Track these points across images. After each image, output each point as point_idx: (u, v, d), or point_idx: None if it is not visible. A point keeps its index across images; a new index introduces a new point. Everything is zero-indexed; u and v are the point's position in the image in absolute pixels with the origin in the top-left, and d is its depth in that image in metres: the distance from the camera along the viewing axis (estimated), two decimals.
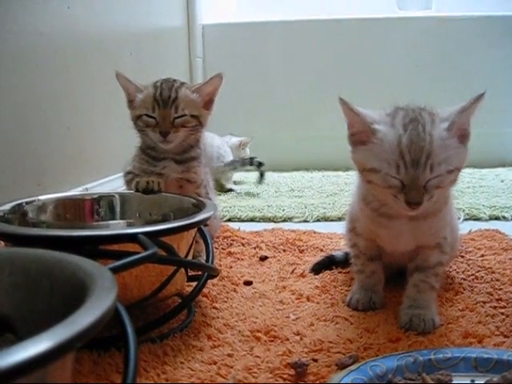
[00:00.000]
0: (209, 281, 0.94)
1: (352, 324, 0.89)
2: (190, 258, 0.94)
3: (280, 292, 1.04)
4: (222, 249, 1.33)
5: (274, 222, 1.72)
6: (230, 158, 2.30)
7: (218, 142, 2.29)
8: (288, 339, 0.83)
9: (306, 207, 1.85)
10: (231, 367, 0.74)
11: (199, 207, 0.97)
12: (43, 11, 1.53)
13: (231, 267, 1.19)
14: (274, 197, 2.12)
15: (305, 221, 1.72)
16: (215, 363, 0.75)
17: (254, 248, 1.34)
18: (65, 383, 0.43)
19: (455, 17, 2.87)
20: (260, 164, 2.19)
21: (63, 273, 0.52)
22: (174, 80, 1.24)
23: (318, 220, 1.73)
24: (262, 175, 2.18)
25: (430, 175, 0.79)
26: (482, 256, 1.22)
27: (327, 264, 1.17)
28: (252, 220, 1.73)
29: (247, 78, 2.93)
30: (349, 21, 2.95)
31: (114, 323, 0.48)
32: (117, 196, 1.12)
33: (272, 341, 0.82)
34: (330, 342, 0.81)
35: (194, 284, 0.91)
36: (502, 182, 2.34)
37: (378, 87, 2.71)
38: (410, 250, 0.93)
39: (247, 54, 2.97)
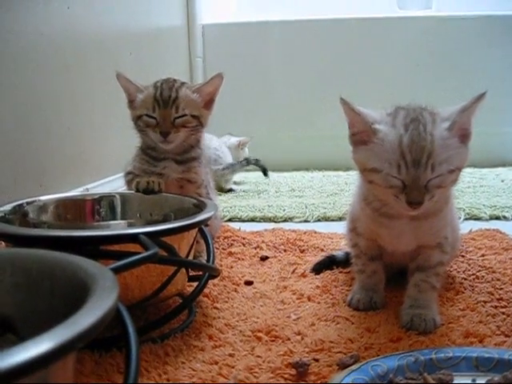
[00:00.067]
0: (210, 281, 0.94)
1: (353, 324, 0.89)
2: (190, 258, 0.94)
3: (281, 292, 1.04)
4: (223, 249, 1.33)
5: (275, 221, 1.71)
6: (228, 158, 2.30)
7: (215, 144, 2.28)
8: (289, 339, 0.83)
9: (306, 207, 1.85)
10: (232, 367, 0.74)
11: (200, 207, 0.97)
12: (44, 11, 1.53)
13: (232, 267, 1.19)
14: (274, 197, 2.12)
15: (305, 221, 1.72)
16: (216, 363, 0.75)
17: (255, 248, 1.34)
18: None
19: (455, 16, 2.87)
20: (257, 161, 2.24)
21: (64, 273, 0.52)
22: (175, 80, 1.24)
23: (319, 220, 1.73)
24: (264, 169, 2.24)
25: (431, 175, 0.79)
26: (483, 256, 1.22)
27: (328, 264, 1.17)
28: (252, 220, 1.73)
29: (247, 77, 2.93)
30: (349, 20, 2.95)
31: (115, 323, 0.48)
32: (117, 196, 1.12)
33: (273, 341, 0.82)
34: (331, 342, 0.81)
35: (195, 284, 0.91)
36: (503, 181, 2.34)
37: (378, 87, 2.72)
38: (411, 250, 0.93)
39: (247, 53, 2.97)
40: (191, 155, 1.25)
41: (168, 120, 1.18)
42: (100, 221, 1.09)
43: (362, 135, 0.84)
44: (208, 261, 0.94)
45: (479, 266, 1.14)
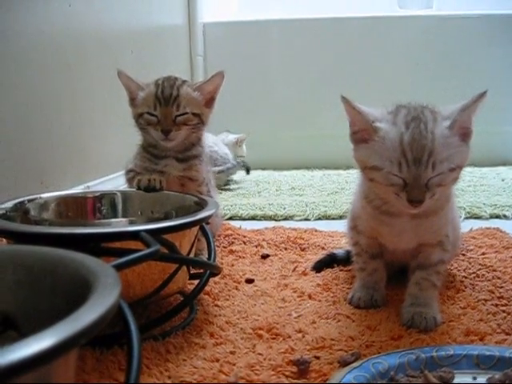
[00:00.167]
0: (211, 279, 0.94)
1: (354, 322, 0.89)
2: (192, 255, 0.94)
3: (282, 290, 1.04)
4: (224, 247, 1.33)
5: (275, 220, 1.71)
6: (224, 153, 2.30)
7: (210, 142, 2.26)
8: (290, 337, 0.83)
9: (306, 205, 1.85)
10: (233, 364, 0.74)
11: (201, 205, 0.97)
12: (44, 10, 1.53)
13: (233, 265, 1.19)
14: (275, 195, 2.12)
15: (306, 219, 1.72)
16: (217, 360, 0.75)
17: (256, 246, 1.34)
18: (68, 381, 0.43)
19: (456, 15, 2.87)
20: (247, 167, 2.41)
21: (66, 270, 0.52)
22: (176, 78, 1.24)
23: (319, 218, 1.73)
24: (247, 170, 2.40)
25: (431, 173, 0.79)
26: (483, 254, 1.22)
27: (329, 262, 1.17)
28: (253, 218, 1.73)
29: (248, 76, 2.93)
30: (350, 19, 2.94)
31: (116, 320, 0.48)
32: (119, 194, 1.12)
33: (274, 338, 0.82)
34: (332, 340, 0.81)
35: (196, 282, 0.91)
36: (503, 180, 2.34)
37: (378, 86, 2.71)
38: (412, 248, 0.93)
39: (248, 52, 2.97)
40: (192, 153, 1.25)
41: (169, 118, 1.18)
42: (101, 218, 1.09)
43: (362, 133, 0.84)
44: (209, 259, 0.94)
45: (480, 264, 1.14)
